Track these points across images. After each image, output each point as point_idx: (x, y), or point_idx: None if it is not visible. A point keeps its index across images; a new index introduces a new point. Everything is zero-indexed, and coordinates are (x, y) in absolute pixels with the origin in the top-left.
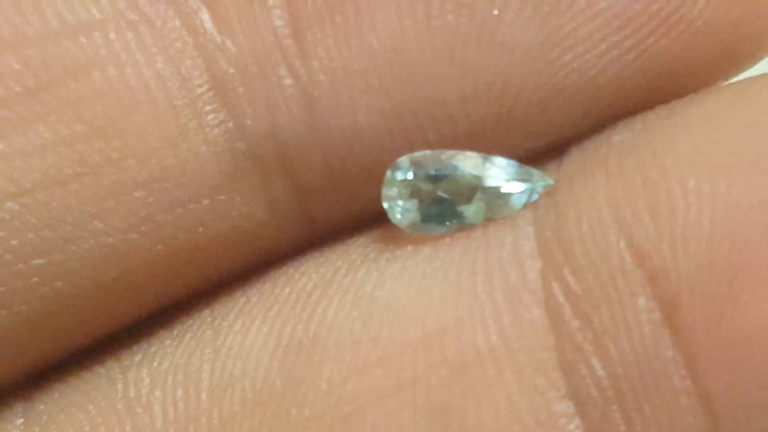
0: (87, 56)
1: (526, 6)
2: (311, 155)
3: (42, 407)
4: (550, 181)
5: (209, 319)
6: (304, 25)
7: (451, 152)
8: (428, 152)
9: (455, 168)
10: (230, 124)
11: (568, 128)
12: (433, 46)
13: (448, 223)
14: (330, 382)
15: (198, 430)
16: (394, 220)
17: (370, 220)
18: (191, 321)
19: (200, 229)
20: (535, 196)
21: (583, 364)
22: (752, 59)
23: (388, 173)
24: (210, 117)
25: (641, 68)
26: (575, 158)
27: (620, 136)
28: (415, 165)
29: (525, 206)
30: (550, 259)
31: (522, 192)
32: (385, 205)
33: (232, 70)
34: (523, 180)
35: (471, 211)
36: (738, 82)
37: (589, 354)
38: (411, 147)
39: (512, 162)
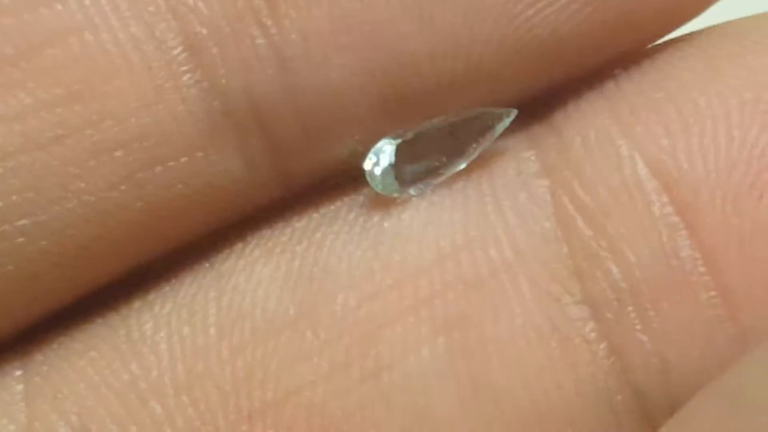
0: (63, 23)
1: None
2: (285, 113)
3: (41, 358)
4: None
5: (207, 265)
6: None
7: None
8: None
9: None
10: (205, 84)
11: (533, 81)
12: (401, 5)
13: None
14: (345, 307)
15: (208, 363)
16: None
17: (345, 175)
18: (188, 270)
19: (179, 186)
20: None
21: (598, 269)
22: (702, 7)
23: (370, 163)
24: (185, 77)
25: (600, 20)
26: (573, 103)
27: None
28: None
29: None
30: (557, 177)
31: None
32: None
33: (205, 31)
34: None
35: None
36: (726, 23)
37: (605, 259)
38: (383, 103)
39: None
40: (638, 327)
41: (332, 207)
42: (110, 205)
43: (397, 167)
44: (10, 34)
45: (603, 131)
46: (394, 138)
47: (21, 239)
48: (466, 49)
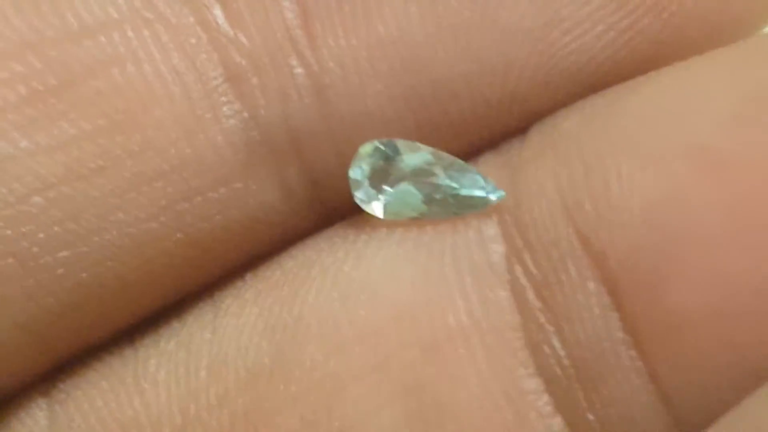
0: (106, 54)
1: None
2: (323, 142)
3: (62, 386)
4: (502, 194)
5: (210, 301)
6: (313, 16)
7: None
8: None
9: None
10: (245, 114)
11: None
12: (438, 31)
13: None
14: (313, 360)
15: (198, 406)
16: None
17: None
18: (196, 302)
19: (218, 217)
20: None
21: (546, 343)
22: (738, 39)
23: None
24: (225, 108)
25: (635, 49)
26: (533, 141)
27: (569, 120)
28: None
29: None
30: (511, 243)
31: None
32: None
33: (244, 62)
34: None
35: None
36: (674, 66)
37: (551, 334)
38: (418, 129)
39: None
40: (585, 406)
41: (315, 249)
42: (149, 236)
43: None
44: (53, 66)
45: (546, 199)
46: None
47: (61, 271)
48: (502, 76)
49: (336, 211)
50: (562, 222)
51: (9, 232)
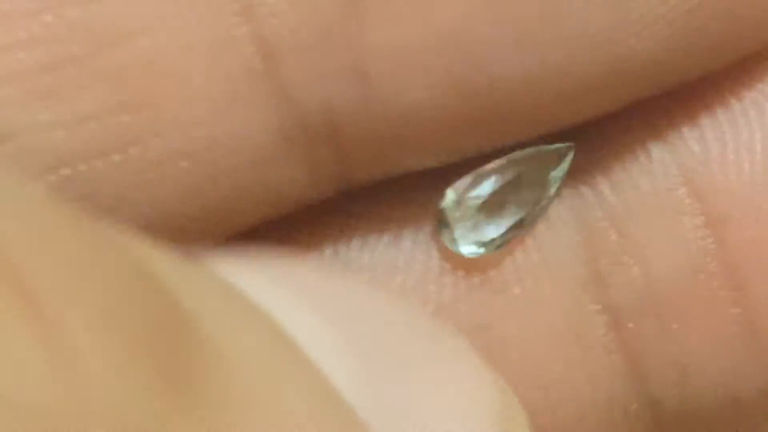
0: (135, 21)
1: None
2: (361, 127)
3: None
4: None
5: None
6: (364, 1)
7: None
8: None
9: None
10: (281, 95)
11: (617, 103)
12: (501, 27)
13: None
14: None
15: None
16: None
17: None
18: None
19: (241, 195)
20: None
21: (621, 276)
22: None
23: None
24: (261, 87)
25: (703, 48)
26: None
27: None
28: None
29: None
30: (585, 178)
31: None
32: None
33: (285, 39)
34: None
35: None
36: None
37: (629, 266)
38: (465, 123)
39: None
40: (659, 337)
41: None
42: (167, 216)
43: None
44: (76, 30)
45: (634, 135)
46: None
47: None
48: (563, 76)
49: (359, 183)
50: (658, 153)
51: None
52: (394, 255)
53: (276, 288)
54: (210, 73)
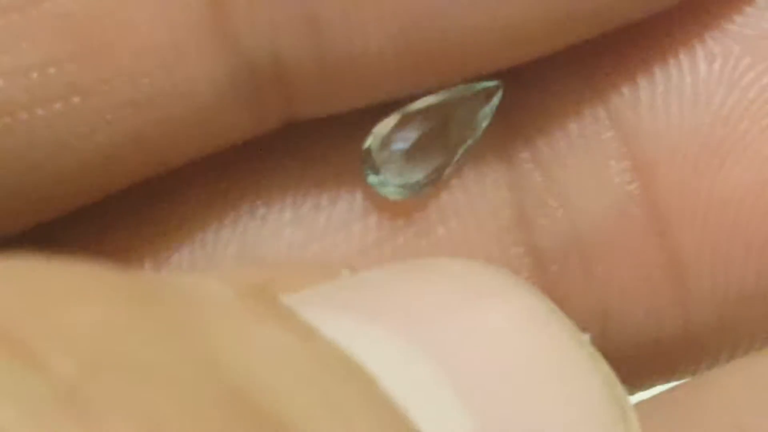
0: None
1: None
2: (311, 72)
3: None
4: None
5: None
6: None
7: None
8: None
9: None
10: (229, 44)
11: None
12: None
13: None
14: None
15: None
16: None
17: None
18: None
19: (186, 140)
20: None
21: (545, 218)
22: None
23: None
24: (208, 37)
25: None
26: None
27: None
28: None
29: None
30: (511, 118)
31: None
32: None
33: None
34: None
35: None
36: None
37: (553, 209)
38: (412, 67)
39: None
40: (582, 280)
41: None
42: (110, 163)
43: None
44: None
45: (564, 77)
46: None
47: (13, 202)
48: (511, 26)
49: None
50: (588, 96)
51: None
52: (318, 194)
53: (366, 328)
54: (156, 22)
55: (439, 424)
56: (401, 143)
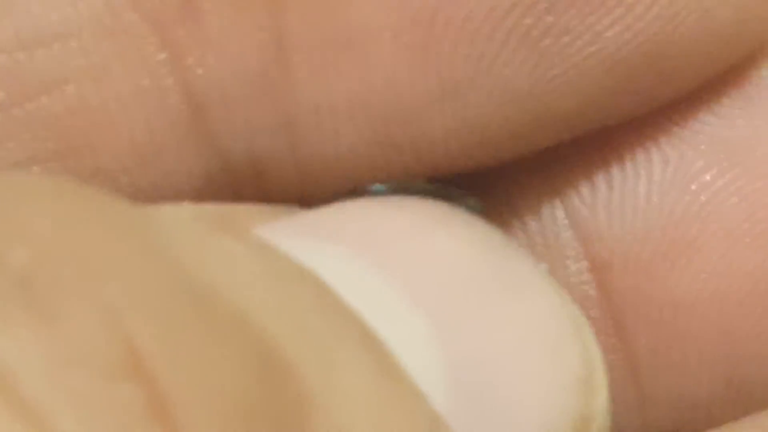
0: (62, 69)
1: (520, 48)
2: (286, 171)
3: None
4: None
5: None
6: (292, 52)
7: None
8: None
9: None
10: (208, 145)
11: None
12: (426, 88)
13: None
14: None
15: None
16: None
17: None
18: None
19: None
20: None
21: None
22: None
23: None
24: (187, 137)
25: (618, 102)
26: None
27: None
28: None
29: None
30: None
31: None
32: None
33: (213, 92)
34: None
35: None
36: None
37: None
38: (386, 167)
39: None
40: None
41: None
42: None
43: None
44: (2, 78)
45: (524, 178)
46: None
47: None
48: (483, 128)
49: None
50: (549, 197)
51: None
52: None
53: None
54: (136, 122)
55: (393, 326)
56: None
